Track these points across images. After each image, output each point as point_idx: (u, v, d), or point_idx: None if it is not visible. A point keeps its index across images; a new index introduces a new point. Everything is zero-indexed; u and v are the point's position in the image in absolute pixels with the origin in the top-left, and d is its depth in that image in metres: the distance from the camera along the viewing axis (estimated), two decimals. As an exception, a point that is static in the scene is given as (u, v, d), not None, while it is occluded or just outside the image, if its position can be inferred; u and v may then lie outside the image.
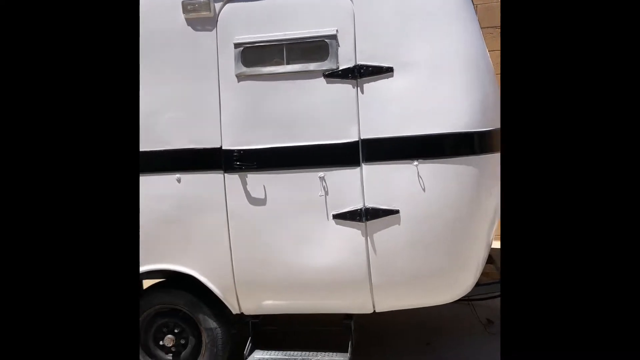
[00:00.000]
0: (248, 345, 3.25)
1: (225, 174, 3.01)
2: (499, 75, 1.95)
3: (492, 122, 2.95)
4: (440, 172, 2.89)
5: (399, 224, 2.90)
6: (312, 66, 2.91)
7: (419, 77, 2.86)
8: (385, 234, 2.92)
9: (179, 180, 3.06)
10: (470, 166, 2.90)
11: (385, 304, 3.08)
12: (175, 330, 3.34)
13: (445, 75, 2.87)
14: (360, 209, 2.90)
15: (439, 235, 2.93)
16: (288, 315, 3.27)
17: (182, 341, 3.34)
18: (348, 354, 3.09)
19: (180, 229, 3.09)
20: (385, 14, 2.88)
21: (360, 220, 2.91)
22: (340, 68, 2.88)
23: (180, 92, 3.05)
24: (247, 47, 2.97)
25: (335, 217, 2.94)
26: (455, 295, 3.10)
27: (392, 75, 2.86)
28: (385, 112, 2.87)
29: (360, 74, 2.87)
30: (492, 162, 2.98)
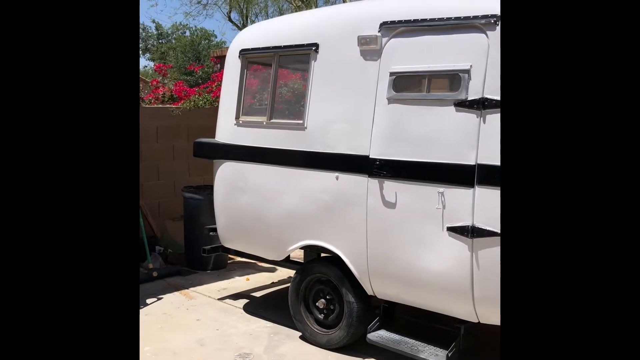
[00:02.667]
0: (375, 323, 3.87)
1: (369, 178, 3.66)
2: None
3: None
4: (546, 205, 3.00)
5: (501, 246, 3.12)
6: (446, 95, 3.33)
7: (537, 113, 3.02)
8: (489, 253, 3.18)
9: (337, 178, 3.84)
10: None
11: (488, 317, 3.33)
12: (327, 297, 4.16)
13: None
14: (469, 226, 3.23)
15: (538, 264, 3.05)
16: (416, 308, 3.75)
17: (332, 307, 4.14)
18: (447, 352, 3.45)
19: (335, 217, 3.88)
20: (516, 52, 3.10)
21: (467, 237, 3.24)
22: (469, 99, 3.23)
23: (348, 108, 3.81)
24: (399, 75, 3.55)
25: (449, 229, 3.32)
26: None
27: (512, 109, 3.08)
28: (502, 142, 3.12)
29: (484, 105, 3.17)
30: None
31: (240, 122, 4.51)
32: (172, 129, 7.43)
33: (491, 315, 3.32)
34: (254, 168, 4.38)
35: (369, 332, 3.81)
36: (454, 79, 3.31)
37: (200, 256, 5.63)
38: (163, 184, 7.48)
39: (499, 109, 3.13)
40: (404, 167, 3.51)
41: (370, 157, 3.66)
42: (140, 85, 8.77)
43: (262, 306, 5.12)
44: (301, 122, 4.06)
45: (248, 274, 6.25)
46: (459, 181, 3.27)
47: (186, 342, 4.25)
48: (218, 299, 5.33)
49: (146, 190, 7.15)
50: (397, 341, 3.69)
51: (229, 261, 6.59)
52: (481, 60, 3.21)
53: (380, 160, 3.60)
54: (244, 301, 5.27)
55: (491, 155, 3.16)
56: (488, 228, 3.16)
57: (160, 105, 7.72)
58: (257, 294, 5.53)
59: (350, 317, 3.95)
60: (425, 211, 3.42)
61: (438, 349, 3.54)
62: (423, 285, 3.49)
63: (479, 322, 3.39)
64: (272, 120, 4.29)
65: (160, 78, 9.49)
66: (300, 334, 4.34)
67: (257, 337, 4.40)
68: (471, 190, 3.23)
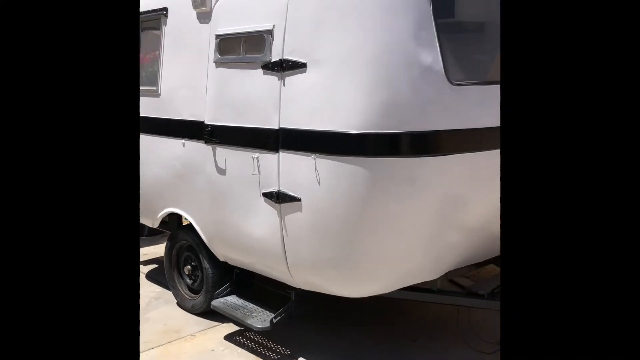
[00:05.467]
0: (225, 289, 3.89)
1: (205, 145, 3.62)
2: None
3: (398, 124, 2.78)
4: (334, 168, 2.91)
5: (301, 211, 3.06)
6: (254, 58, 3.23)
7: (323, 75, 2.90)
8: (293, 218, 3.12)
9: (183, 145, 3.83)
10: (363, 167, 2.83)
11: (304, 283, 3.29)
12: (192, 263, 4.20)
13: (346, 74, 2.83)
14: (275, 192, 3.17)
15: (332, 228, 2.98)
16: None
17: (197, 273, 4.18)
18: (272, 315, 3.45)
19: (185, 184, 3.88)
20: (309, 8, 2.97)
21: (275, 202, 3.18)
22: (272, 60, 3.12)
23: (189, 74, 3.76)
24: (221, 38, 3.46)
25: (264, 195, 3.27)
26: (361, 291, 3.11)
27: (305, 71, 2.97)
28: (298, 105, 3.02)
29: (282, 67, 3.06)
30: (395, 165, 2.82)
31: (116, 90, 4.53)
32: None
33: (306, 281, 3.27)
34: (127, 136, 4.41)
35: (214, 299, 3.84)
36: (260, 40, 3.19)
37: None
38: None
39: (294, 70, 3.02)
40: (227, 133, 3.45)
41: (205, 122, 3.61)
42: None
43: (167, 272, 5.21)
44: (155, 88, 4.04)
45: (181, 240, 6.34)
46: (267, 146, 3.20)
47: (65, 307, 4.40)
48: (129, 265, 5.46)
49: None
50: (237, 307, 3.71)
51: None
52: (281, 20, 3.08)
53: (211, 126, 3.55)
54: (153, 267, 5.39)
55: (291, 119, 3.06)
56: (290, 193, 3.09)
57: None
58: (172, 260, 5.63)
59: (207, 283, 3.98)
60: (247, 177, 3.36)
61: (270, 314, 3.53)
62: (252, 251, 3.47)
63: (299, 288, 3.36)
64: (140, 88, 4.28)
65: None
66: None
67: (137, 301, 4.49)
68: (276, 155, 3.15)
